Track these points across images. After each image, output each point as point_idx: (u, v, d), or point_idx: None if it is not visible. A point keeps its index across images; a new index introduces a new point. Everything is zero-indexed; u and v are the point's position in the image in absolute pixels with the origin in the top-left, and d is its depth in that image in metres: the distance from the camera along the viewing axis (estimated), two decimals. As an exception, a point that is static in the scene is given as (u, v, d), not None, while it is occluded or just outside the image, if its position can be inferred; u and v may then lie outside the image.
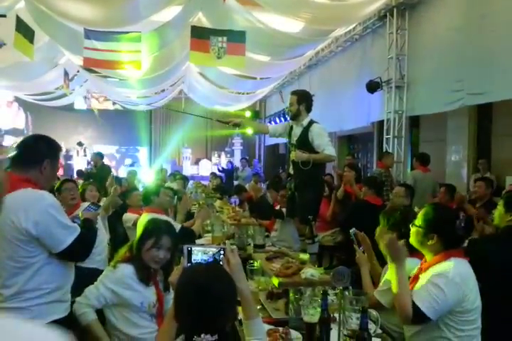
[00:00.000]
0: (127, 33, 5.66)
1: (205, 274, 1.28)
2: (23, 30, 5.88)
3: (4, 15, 5.51)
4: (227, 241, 3.20)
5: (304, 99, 3.92)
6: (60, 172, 11.25)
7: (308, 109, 3.92)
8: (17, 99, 12.56)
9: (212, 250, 1.42)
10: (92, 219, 2.13)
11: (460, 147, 6.34)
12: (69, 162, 12.80)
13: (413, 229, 1.95)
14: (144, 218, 2.95)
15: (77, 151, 13.63)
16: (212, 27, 6.36)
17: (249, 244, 3.15)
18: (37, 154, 1.86)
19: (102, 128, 14.18)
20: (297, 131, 3.93)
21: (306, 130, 3.82)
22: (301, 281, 2.00)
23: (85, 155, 13.55)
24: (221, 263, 1.40)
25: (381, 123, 6.97)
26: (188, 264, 1.42)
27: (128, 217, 3.88)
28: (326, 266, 4.92)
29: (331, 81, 8.74)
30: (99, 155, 8.35)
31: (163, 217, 2.97)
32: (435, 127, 6.71)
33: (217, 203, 5.03)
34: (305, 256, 2.26)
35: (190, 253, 1.41)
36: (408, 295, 1.76)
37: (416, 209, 3.44)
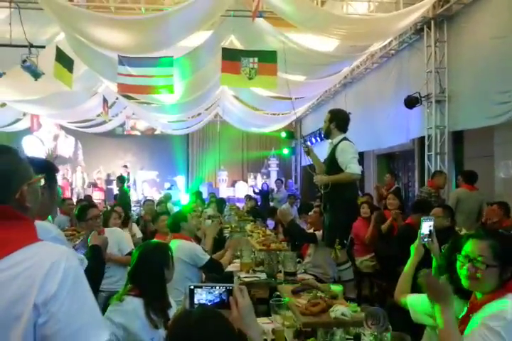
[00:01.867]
0: (159, 58, 5.74)
1: (197, 331, 1.05)
2: (63, 60, 6.10)
3: (43, 47, 5.72)
4: (235, 279, 2.99)
5: (335, 118, 3.82)
6: (97, 196, 11.48)
7: (340, 128, 3.78)
8: (62, 127, 13.11)
9: (219, 289, 1.23)
10: (101, 245, 1.97)
11: (509, 162, 5.89)
12: (109, 186, 13.07)
13: (482, 268, 1.56)
14: (172, 245, 2.81)
15: (121, 174, 13.87)
16: (245, 49, 6.38)
17: (280, 271, 2.93)
18: None
19: (141, 154, 14.51)
20: (328, 149, 3.79)
21: (334, 148, 3.69)
22: (331, 321, 1.74)
23: (128, 180, 13.79)
24: (228, 303, 1.21)
25: (422, 139, 6.63)
26: (191, 306, 1.23)
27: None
28: (367, 294, 4.60)
29: (367, 98, 8.52)
30: (119, 179, 8.75)
31: (189, 244, 2.83)
32: (481, 142, 6.29)
33: (248, 226, 4.86)
34: (337, 289, 2.01)
35: (192, 292, 1.23)
36: None
37: (463, 231, 3.12)
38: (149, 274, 1.93)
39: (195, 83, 7.68)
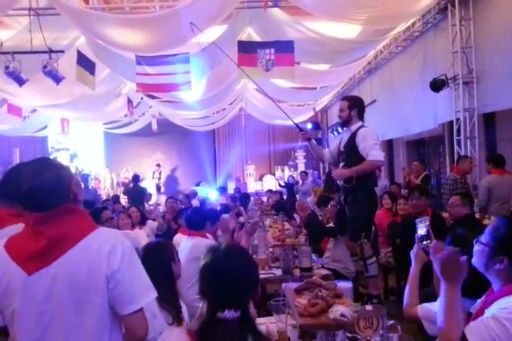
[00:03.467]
0: (176, 55, 5.74)
1: (225, 256, 1.33)
2: (84, 63, 6.22)
3: (62, 51, 5.83)
4: None
5: (356, 105, 3.70)
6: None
7: (360, 115, 3.67)
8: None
9: None
10: None
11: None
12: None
13: (477, 247, 1.53)
14: (186, 243, 2.79)
15: (153, 173, 14.06)
16: (263, 40, 6.28)
17: (296, 267, 2.85)
18: None
19: (168, 152, 14.69)
20: (346, 136, 3.68)
21: (353, 135, 3.58)
22: (329, 323, 1.64)
23: (160, 178, 13.98)
24: None
25: (451, 124, 6.36)
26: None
27: (178, 238, 3.76)
28: (394, 287, 4.46)
29: (392, 84, 8.25)
30: (134, 178, 9.03)
31: (207, 241, 2.80)
32: (515, 123, 5.98)
33: (268, 221, 4.80)
34: (346, 285, 1.90)
35: None
36: (458, 327, 1.35)
37: (492, 219, 2.95)
38: (158, 268, 1.92)
39: (216, 78, 7.64)
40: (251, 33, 6.63)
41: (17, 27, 6.29)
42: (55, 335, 1.30)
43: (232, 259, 1.32)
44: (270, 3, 5.69)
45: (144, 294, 1.36)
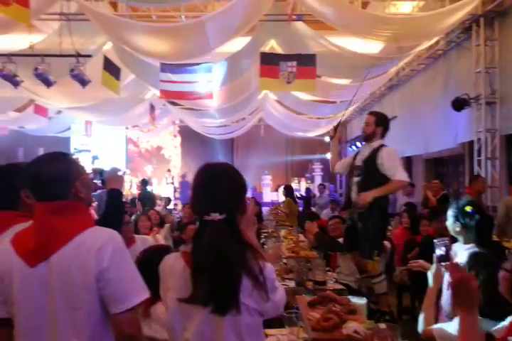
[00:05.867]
0: (199, 64, 5.85)
1: (213, 165, 1.42)
2: (110, 68, 6.37)
3: (90, 56, 6.00)
4: None
5: (382, 122, 3.67)
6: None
7: (384, 133, 3.65)
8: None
9: None
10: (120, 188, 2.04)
11: None
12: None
13: (502, 274, 1.48)
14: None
15: (166, 178, 14.27)
16: (285, 53, 6.35)
17: (310, 280, 2.84)
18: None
19: (187, 158, 14.84)
20: (365, 151, 3.64)
21: (375, 151, 3.54)
22: (342, 338, 1.63)
23: (172, 183, 14.16)
24: None
25: (471, 143, 6.28)
26: None
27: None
28: (408, 306, 4.38)
29: (413, 101, 8.21)
30: (143, 182, 9.19)
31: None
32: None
33: (283, 232, 4.79)
34: (359, 302, 1.89)
35: None
36: None
37: None
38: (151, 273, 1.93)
39: (237, 88, 7.74)
40: (274, 46, 6.71)
41: (47, 31, 6.51)
42: (48, 328, 1.34)
43: (224, 166, 1.44)
44: (295, 17, 5.76)
45: (135, 294, 1.36)
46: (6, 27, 4.99)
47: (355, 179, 3.61)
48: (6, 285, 1.36)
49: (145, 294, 1.39)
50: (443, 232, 3.66)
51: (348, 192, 3.66)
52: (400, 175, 3.39)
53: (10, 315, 1.37)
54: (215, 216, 1.27)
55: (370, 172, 3.49)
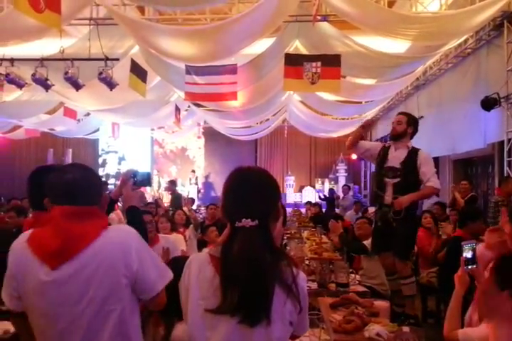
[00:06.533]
0: (223, 66, 5.90)
1: (246, 170, 1.40)
2: (137, 71, 6.50)
3: (117, 59, 6.13)
4: None
5: (413, 123, 3.71)
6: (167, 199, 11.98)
7: (413, 134, 3.69)
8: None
9: None
10: (137, 205, 1.99)
11: None
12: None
13: None
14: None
15: (190, 179, 14.42)
16: (310, 53, 6.33)
17: (332, 282, 2.82)
18: None
19: (211, 158, 14.97)
20: (400, 153, 3.61)
21: (413, 154, 3.55)
22: None
23: (196, 184, 14.30)
24: None
25: (502, 143, 6.11)
26: None
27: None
28: (433, 310, 4.30)
29: (441, 100, 8.04)
30: (172, 183, 9.19)
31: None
32: None
33: (305, 233, 4.77)
34: (382, 305, 1.88)
35: None
36: None
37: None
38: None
39: (262, 89, 7.76)
40: (298, 46, 6.70)
41: (77, 35, 6.69)
42: (78, 329, 1.35)
43: (258, 171, 1.41)
44: (319, 18, 5.73)
45: (162, 279, 1.44)
46: (39, 32, 5.15)
47: (391, 180, 3.55)
48: (20, 285, 1.39)
49: (170, 274, 1.48)
50: (476, 234, 3.60)
51: (378, 192, 3.62)
52: (434, 181, 3.44)
53: (23, 309, 1.41)
54: (247, 222, 1.23)
55: (409, 175, 3.49)
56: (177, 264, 1.89)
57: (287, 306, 1.19)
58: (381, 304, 1.97)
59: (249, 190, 1.30)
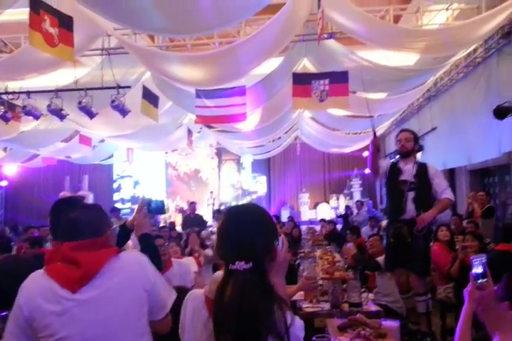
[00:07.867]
0: (233, 88, 5.98)
1: (241, 208, 1.44)
2: (149, 96, 6.63)
3: (129, 87, 6.27)
4: None
5: (417, 140, 3.87)
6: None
7: (419, 150, 3.80)
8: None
9: None
10: (150, 231, 2.07)
11: None
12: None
13: None
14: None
15: (207, 200, 14.42)
16: (318, 71, 6.39)
17: (345, 302, 2.76)
18: None
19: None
20: (409, 167, 3.66)
21: (423, 167, 3.63)
22: None
23: (213, 204, 14.28)
24: None
25: (518, 152, 6.02)
26: None
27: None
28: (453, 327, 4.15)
29: (453, 111, 7.99)
30: (193, 205, 9.25)
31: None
32: None
33: (319, 252, 4.70)
34: (391, 326, 1.82)
35: None
36: None
37: None
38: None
39: (272, 108, 7.82)
40: (306, 65, 6.77)
41: (90, 64, 6.88)
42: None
43: (249, 209, 1.39)
44: (325, 36, 5.80)
45: (170, 297, 1.57)
46: (54, 65, 5.31)
47: (410, 194, 3.57)
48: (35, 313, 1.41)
49: (174, 294, 1.60)
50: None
51: (398, 206, 3.58)
52: (449, 193, 3.50)
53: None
54: (241, 265, 1.19)
55: (424, 188, 3.55)
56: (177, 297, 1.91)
57: None
58: (390, 325, 1.91)
59: (242, 230, 1.26)
